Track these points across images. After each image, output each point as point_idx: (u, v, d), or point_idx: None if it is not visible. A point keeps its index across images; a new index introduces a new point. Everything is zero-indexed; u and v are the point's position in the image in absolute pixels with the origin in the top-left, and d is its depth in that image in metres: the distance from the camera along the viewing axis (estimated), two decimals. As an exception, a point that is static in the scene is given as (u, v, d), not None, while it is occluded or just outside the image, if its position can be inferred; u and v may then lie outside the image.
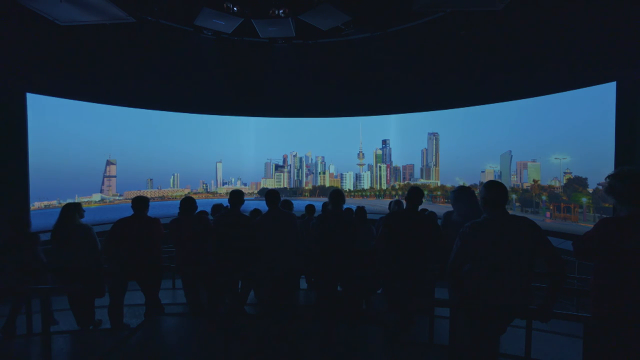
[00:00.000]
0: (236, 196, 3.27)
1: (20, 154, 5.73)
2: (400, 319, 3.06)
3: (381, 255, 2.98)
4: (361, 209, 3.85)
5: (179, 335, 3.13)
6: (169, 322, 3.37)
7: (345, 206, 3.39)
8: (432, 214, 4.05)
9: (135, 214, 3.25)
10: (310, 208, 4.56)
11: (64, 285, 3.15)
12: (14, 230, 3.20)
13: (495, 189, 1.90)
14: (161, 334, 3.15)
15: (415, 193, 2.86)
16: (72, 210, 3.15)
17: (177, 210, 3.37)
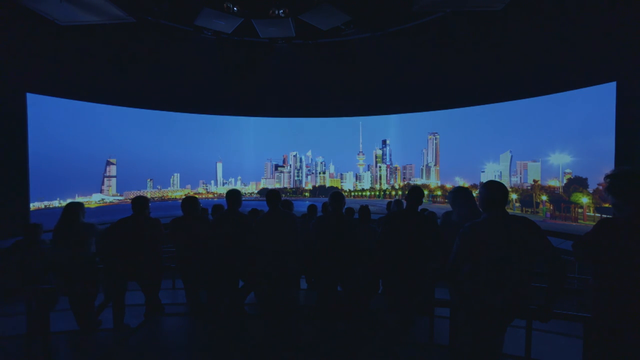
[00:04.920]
0: (233, 196, 3.26)
1: (20, 154, 5.73)
2: (400, 319, 3.06)
3: (381, 255, 2.98)
4: (365, 208, 3.85)
5: (179, 335, 3.13)
6: (169, 322, 3.37)
7: (345, 206, 3.39)
8: (432, 214, 4.05)
9: (135, 214, 3.25)
10: (312, 208, 4.56)
11: (64, 286, 3.14)
12: (24, 237, 3.20)
13: (495, 189, 1.90)
14: (161, 334, 3.15)
15: (415, 193, 2.85)
16: (76, 209, 3.14)
17: (177, 211, 3.37)
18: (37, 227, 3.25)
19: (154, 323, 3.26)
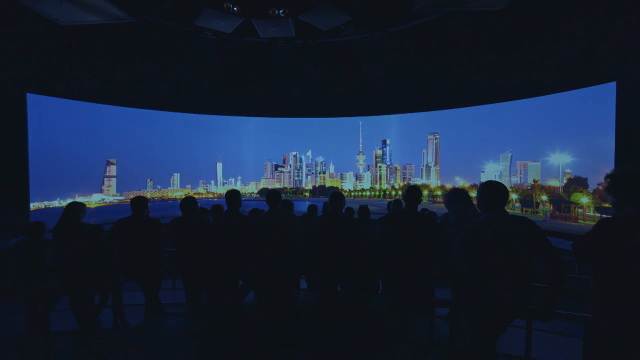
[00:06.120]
0: (233, 196, 3.25)
1: (20, 154, 5.73)
2: (400, 320, 3.06)
3: (381, 255, 2.98)
4: (364, 208, 3.85)
5: (179, 335, 3.13)
6: (169, 322, 3.37)
7: (345, 206, 3.39)
8: (432, 214, 4.05)
9: (135, 214, 3.25)
10: (312, 208, 4.56)
11: (64, 286, 3.14)
12: (28, 236, 3.18)
13: (494, 189, 1.90)
14: (161, 334, 3.15)
15: (413, 192, 2.85)
16: (77, 210, 3.14)
17: (177, 211, 3.37)
18: (41, 226, 3.25)
19: (154, 323, 3.26)
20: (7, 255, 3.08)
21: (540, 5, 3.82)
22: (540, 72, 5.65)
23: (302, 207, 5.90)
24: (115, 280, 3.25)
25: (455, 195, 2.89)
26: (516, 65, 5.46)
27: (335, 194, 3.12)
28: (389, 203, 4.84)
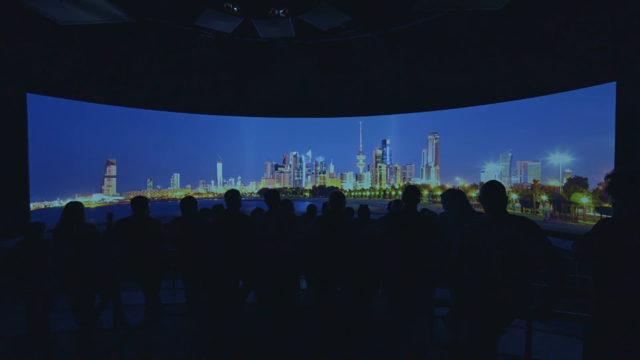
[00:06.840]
0: (232, 196, 3.25)
1: (20, 154, 5.73)
2: (401, 320, 3.06)
3: (381, 255, 2.98)
4: (364, 208, 3.85)
5: (179, 335, 3.13)
6: (169, 322, 3.37)
7: (345, 206, 3.39)
8: (432, 214, 4.05)
9: (135, 214, 3.24)
10: (312, 208, 4.56)
11: (64, 286, 3.14)
12: (28, 236, 3.18)
13: (494, 190, 1.90)
14: (161, 334, 3.15)
15: (411, 192, 2.85)
16: (77, 209, 3.13)
17: (177, 211, 3.37)
18: (40, 226, 3.25)
19: (154, 323, 3.26)
20: (8, 255, 3.08)
21: (540, 5, 3.82)
22: (540, 72, 5.65)
23: (302, 207, 5.90)
24: (115, 281, 3.25)
25: (452, 196, 2.90)
26: (516, 65, 5.46)
27: (336, 194, 3.12)
28: (389, 203, 4.83)
